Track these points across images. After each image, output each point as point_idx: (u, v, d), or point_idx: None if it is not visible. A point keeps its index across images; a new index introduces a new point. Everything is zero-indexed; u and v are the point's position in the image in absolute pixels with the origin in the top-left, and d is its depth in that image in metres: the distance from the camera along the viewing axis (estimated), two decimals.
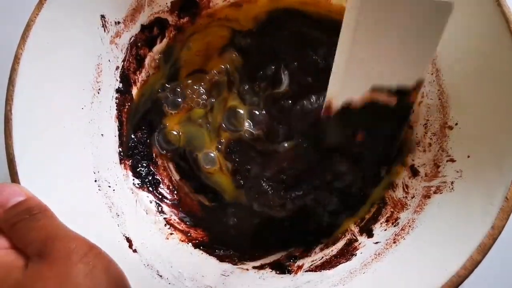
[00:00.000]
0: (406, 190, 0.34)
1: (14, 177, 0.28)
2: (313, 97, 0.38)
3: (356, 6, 0.26)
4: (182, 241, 0.36)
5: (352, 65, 0.29)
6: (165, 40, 0.40)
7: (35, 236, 0.22)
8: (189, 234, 0.36)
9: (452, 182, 0.30)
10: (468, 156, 0.30)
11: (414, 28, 0.27)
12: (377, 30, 0.27)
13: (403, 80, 0.30)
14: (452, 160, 0.31)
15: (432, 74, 0.34)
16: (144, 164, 0.39)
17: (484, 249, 0.24)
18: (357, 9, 0.26)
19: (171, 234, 0.36)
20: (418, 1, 0.26)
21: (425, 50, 0.29)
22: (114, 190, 0.35)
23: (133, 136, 0.39)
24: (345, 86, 0.30)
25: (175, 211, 0.38)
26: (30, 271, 0.21)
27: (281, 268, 0.34)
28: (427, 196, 0.31)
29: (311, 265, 0.33)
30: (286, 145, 0.38)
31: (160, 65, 0.41)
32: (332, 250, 0.34)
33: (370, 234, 0.33)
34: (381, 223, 0.33)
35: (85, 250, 0.22)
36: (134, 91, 0.39)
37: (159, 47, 0.40)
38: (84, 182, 0.33)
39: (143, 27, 0.38)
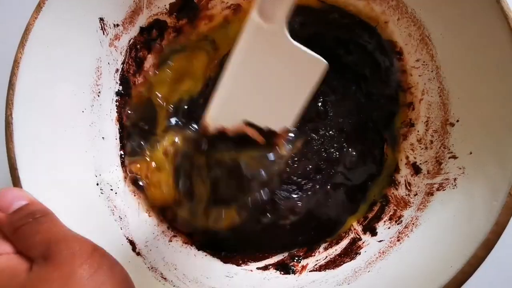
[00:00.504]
0: (408, 188, 0.34)
1: (16, 181, 0.28)
2: None
3: (249, 41, 0.29)
4: (185, 243, 0.35)
5: (232, 94, 0.31)
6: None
7: (39, 239, 0.22)
8: (192, 237, 0.36)
9: (455, 179, 0.30)
10: (470, 153, 0.30)
11: (290, 75, 0.30)
12: (261, 68, 0.29)
13: (272, 124, 0.31)
14: (454, 157, 0.31)
15: (432, 71, 0.34)
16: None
17: (488, 246, 0.24)
18: (250, 44, 0.29)
19: (174, 236, 0.36)
20: (297, 51, 0.29)
21: (295, 101, 0.30)
22: (116, 193, 0.35)
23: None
24: (221, 113, 0.32)
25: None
26: (34, 274, 0.21)
27: (285, 268, 0.34)
28: (430, 194, 0.31)
29: (316, 264, 0.33)
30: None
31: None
32: (336, 250, 0.34)
33: (373, 233, 0.33)
34: (384, 221, 0.33)
35: (89, 252, 0.22)
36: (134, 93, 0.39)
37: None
38: (86, 186, 0.33)
39: (142, 29, 0.38)
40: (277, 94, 0.30)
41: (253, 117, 0.31)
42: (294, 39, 0.29)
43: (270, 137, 0.32)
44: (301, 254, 0.35)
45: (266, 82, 0.30)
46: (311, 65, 0.29)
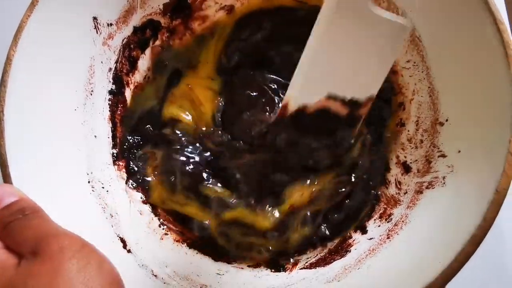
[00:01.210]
0: (398, 186, 0.34)
1: (6, 178, 0.28)
2: None
3: (329, 15, 0.28)
4: (176, 241, 0.36)
5: (314, 69, 0.30)
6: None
7: (28, 235, 0.22)
8: (183, 234, 0.36)
9: (443, 177, 0.30)
10: (459, 151, 0.30)
11: (373, 45, 0.29)
12: (343, 41, 0.29)
13: (356, 93, 0.31)
14: (444, 156, 0.31)
15: (422, 72, 0.34)
16: (139, 165, 0.39)
17: (475, 242, 0.25)
18: (329, 18, 0.28)
19: (166, 234, 0.36)
20: (379, 19, 0.28)
21: (379, 67, 0.30)
22: (107, 191, 0.35)
23: (128, 137, 0.39)
24: (304, 89, 0.31)
25: (170, 211, 0.38)
26: (22, 269, 0.21)
27: (276, 266, 0.34)
28: (419, 192, 0.32)
29: (306, 262, 0.33)
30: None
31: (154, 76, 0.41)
32: (326, 248, 0.34)
33: (364, 231, 0.34)
34: (374, 220, 0.34)
35: (79, 247, 0.22)
36: (127, 92, 0.39)
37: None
38: (78, 183, 0.33)
39: (135, 29, 0.38)
40: (361, 64, 0.30)
41: (337, 88, 0.31)
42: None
43: (353, 109, 0.32)
44: (292, 252, 0.35)
45: (348, 53, 0.30)
46: (394, 30, 0.29)
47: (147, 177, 0.38)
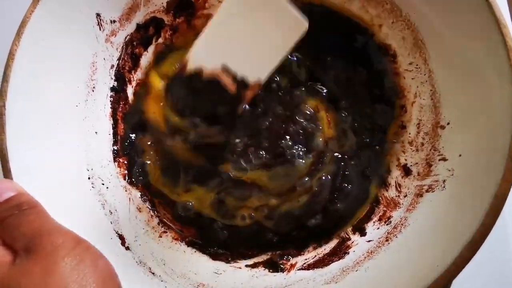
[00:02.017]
0: (398, 189, 0.34)
1: (6, 173, 0.28)
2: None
3: None
4: (175, 239, 0.36)
5: (216, 38, 0.33)
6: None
7: (23, 232, 0.22)
8: (182, 233, 0.36)
9: (444, 181, 0.30)
10: (460, 155, 0.30)
11: (272, 32, 0.32)
12: (247, 19, 0.32)
13: (247, 72, 0.33)
14: (444, 159, 0.31)
15: (425, 74, 0.34)
16: (139, 163, 0.39)
17: (474, 246, 0.25)
18: None
19: (164, 232, 0.36)
20: (283, 8, 0.31)
21: (273, 55, 0.33)
22: (107, 187, 0.35)
23: (131, 135, 0.39)
24: (204, 52, 0.34)
25: (169, 210, 0.38)
26: (16, 267, 0.21)
27: (274, 266, 0.34)
28: (419, 195, 0.31)
29: (304, 263, 0.33)
30: None
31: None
32: (325, 249, 0.34)
33: (363, 233, 0.33)
34: (374, 222, 0.34)
35: (73, 244, 0.22)
36: (129, 90, 0.39)
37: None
38: (78, 179, 0.33)
39: (138, 26, 0.38)
40: (258, 45, 0.33)
41: (232, 62, 0.33)
42: None
43: (240, 88, 0.34)
44: (290, 252, 0.35)
45: (250, 33, 0.32)
46: (294, 24, 0.31)
47: (148, 174, 0.38)
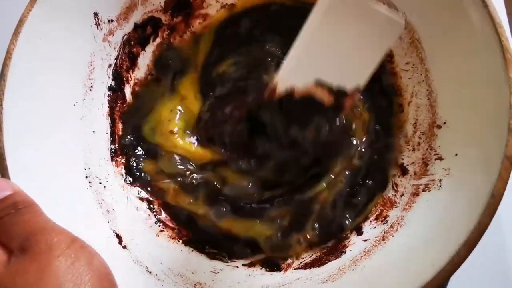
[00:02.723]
0: (395, 188, 0.34)
1: (3, 172, 0.28)
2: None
3: (328, 3, 0.29)
4: (172, 238, 0.36)
5: (306, 54, 0.31)
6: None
7: (18, 231, 0.22)
8: (179, 232, 0.36)
9: (440, 180, 0.30)
10: (456, 154, 0.30)
11: (366, 37, 0.30)
12: (338, 29, 0.30)
13: (344, 81, 0.31)
14: (441, 159, 0.31)
15: (421, 74, 0.35)
16: (137, 162, 0.39)
17: (470, 245, 0.25)
18: (328, 6, 0.29)
19: (162, 231, 0.36)
20: (375, 13, 0.29)
21: (369, 60, 0.31)
22: (105, 187, 0.35)
23: (129, 134, 0.39)
24: (294, 72, 0.32)
25: (166, 209, 0.38)
26: (11, 266, 0.21)
27: (271, 265, 0.34)
28: (416, 194, 0.32)
29: (301, 262, 0.33)
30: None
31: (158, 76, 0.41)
32: (322, 248, 0.34)
33: (359, 232, 0.34)
34: (370, 221, 0.34)
35: (68, 243, 0.22)
36: (127, 89, 0.39)
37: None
38: (75, 178, 0.33)
39: (136, 26, 0.38)
40: (352, 54, 0.31)
41: (325, 75, 0.31)
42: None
43: (338, 99, 0.32)
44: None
45: (341, 42, 0.30)
46: (388, 25, 0.29)
47: (147, 174, 0.38)
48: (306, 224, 0.35)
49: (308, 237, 0.35)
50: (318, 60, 0.31)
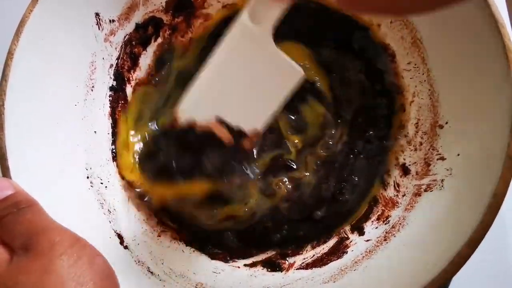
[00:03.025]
0: (397, 188, 0.34)
1: (5, 171, 0.28)
2: None
3: (234, 42, 0.29)
4: (173, 238, 0.36)
5: (209, 89, 0.31)
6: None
7: (20, 230, 0.22)
8: (181, 232, 0.36)
9: (442, 180, 0.30)
10: (458, 154, 0.30)
11: (268, 79, 0.31)
12: (242, 69, 0.30)
13: (243, 123, 0.32)
14: (443, 159, 0.31)
15: (423, 74, 0.34)
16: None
17: (473, 244, 0.25)
18: (234, 44, 0.30)
19: (163, 231, 0.36)
20: (279, 57, 0.30)
21: (268, 104, 0.31)
22: (106, 187, 0.35)
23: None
24: (195, 106, 0.32)
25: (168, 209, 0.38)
26: (14, 265, 0.21)
27: (272, 266, 0.34)
28: (417, 194, 0.31)
29: (303, 262, 0.33)
30: None
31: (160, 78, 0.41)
32: (323, 248, 0.34)
33: (361, 232, 0.33)
34: (372, 221, 0.34)
35: (70, 243, 0.22)
36: (128, 89, 0.39)
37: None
38: (76, 178, 0.33)
39: (137, 26, 0.38)
40: (253, 95, 0.31)
41: (226, 114, 0.32)
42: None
43: (238, 138, 0.32)
44: (289, 252, 0.35)
45: (244, 82, 0.31)
46: (289, 72, 0.30)
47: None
48: None
49: None
50: (219, 97, 0.32)
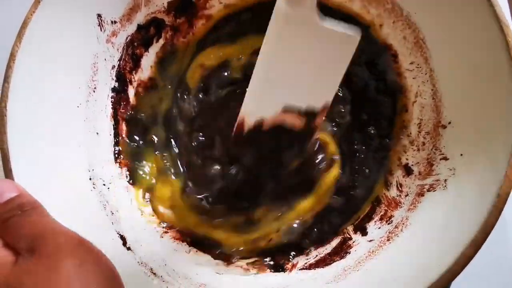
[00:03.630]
0: (400, 188, 0.34)
1: (8, 173, 0.29)
2: None
3: (278, 30, 0.28)
4: (176, 239, 0.36)
5: (269, 83, 0.31)
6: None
7: (25, 232, 0.22)
8: (183, 233, 0.36)
9: (445, 180, 0.30)
10: (461, 154, 0.30)
11: (325, 55, 0.30)
12: (295, 53, 0.29)
13: (312, 101, 0.32)
14: (446, 159, 0.31)
15: (426, 74, 0.34)
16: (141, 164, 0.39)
17: (476, 245, 0.25)
18: (279, 32, 0.28)
19: (166, 232, 0.36)
20: (329, 31, 0.28)
21: (333, 75, 0.31)
22: (108, 188, 0.35)
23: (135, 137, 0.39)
24: (260, 104, 0.32)
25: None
26: (19, 267, 0.21)
27: (275, 266, 0.34)
28: (420, 194, 0.31)
29: (306, 263, 0.33)
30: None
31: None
32: (326, 249, 0.34)
33: (364, 233, 0.33)
34: (375, 222, 0.33)
35: (75, 244, 0.22)
36: (130, 90, 0.39)
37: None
38: (79, 180, 0.33)
39: (139, 27, 0.38)
40: (314, 74, 0.30)
41: (292, 99, 0.31)
42: None
43: (309, 120, 0.32)
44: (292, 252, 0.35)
45: (301, 66, 0.30)
46: (344, 41, 0.29)
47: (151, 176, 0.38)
48: None
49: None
50: (281, 86, 0.31)
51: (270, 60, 0.29)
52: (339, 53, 0.30)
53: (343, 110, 0.39)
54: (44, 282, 0.20)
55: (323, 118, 0.33)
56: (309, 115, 0.32)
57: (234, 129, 0.33)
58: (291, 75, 0.30)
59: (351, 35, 0.29)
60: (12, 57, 0.30)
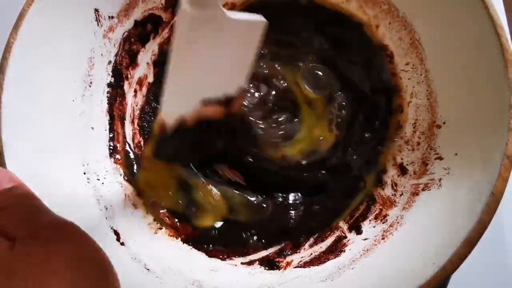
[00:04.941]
0: (395, 187, 0.34)
1: (1, 166, 0.28)
2: None
3: (185, 33, 0.28)
4: (170, 235, 0.35)
5: (184, 84, 0.31)
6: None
7: (23, 221, 0.22)
8: (177, 229, 0.36)
9: (440, 179, 0.30)
10: (456, 154, 0.30)
11: (235, 44, 0.30)
12: (205, 46, 0.29)
13: (228, 89, 0.33)
14: (440, 158, 0.31)
15: (421, 74, 0.35)
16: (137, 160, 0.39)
17: (470, 244, 0.25)
18: (186, 35, 0.28)
19: (160, 228, 0.35)
20: (236, 22, 0.29)
21: (243, 61, 0.32)
22: (103, 183, 0.34)
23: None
24: (178, 103, 0.32)
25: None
26: (16, 250, 0.21)
27: (270, 264, 0.33)
28: (415, 193, 0.32)
29: (300, 261, 0.33)
30: None
31: None
32: (321, 247, 0.34)
33: (359, 231, 0.33)
34: (370, 220, 0.34)
35: (73, 233, 0.22)
36: (126, 86, 0.39)
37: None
38: (73, 174, 0.33)
39: (136, 23, 0.38)
40: (225, 65, 0.31)
41: (208, 92, 0.32)
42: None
43: (227, 105, 0.33)
44: (287, 250, 0.35)
45: (212, 61, 0.31)
46: (253, 28, 0.30)
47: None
48: None
49: None
50: (196, 82, 0.31)
51: (182, 62, 0.30)
52: (249, 40, 0.31)
53: (338, 110, 0.39)
54: (43, 262, 0.20)
55: (241, 99, 0.34)
56: (227, 101, 0.33)
57: (158, 131, 0.34)
58: (204, 71, 0.31)
59: (258, 21, 0.30)
60: (7, 48, 0.30)
